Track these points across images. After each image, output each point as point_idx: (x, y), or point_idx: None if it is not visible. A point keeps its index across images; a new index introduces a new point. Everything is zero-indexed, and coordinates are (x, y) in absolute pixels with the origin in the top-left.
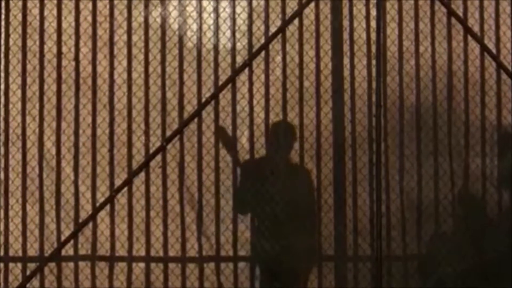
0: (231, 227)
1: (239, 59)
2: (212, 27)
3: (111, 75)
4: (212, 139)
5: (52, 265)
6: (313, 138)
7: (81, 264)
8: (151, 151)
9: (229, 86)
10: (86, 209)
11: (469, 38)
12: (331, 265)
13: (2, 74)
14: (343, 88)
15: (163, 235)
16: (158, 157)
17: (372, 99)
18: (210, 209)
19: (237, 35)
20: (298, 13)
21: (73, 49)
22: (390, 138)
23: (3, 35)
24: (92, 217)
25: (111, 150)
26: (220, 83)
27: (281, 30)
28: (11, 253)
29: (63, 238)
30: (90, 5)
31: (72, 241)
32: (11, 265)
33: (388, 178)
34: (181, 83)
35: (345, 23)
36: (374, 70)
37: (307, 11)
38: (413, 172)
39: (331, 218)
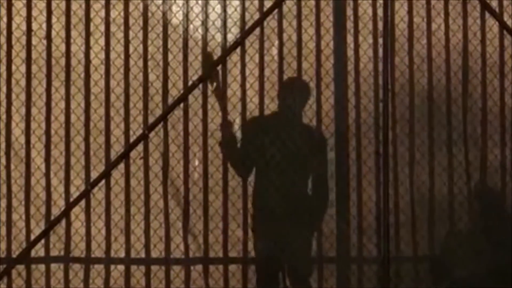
0: (221, 225)
1: (230, 37)
2: (200, 1)
3: (87, 55)
4: (200, 127)
5: (21, 267)
6: (312, 125)
7: (53, 266)
8: (131, 140)
9: (219, 67)
10: (58, 205)
11: (487, 14)
12: (332, 268)
13: None
14: (347, 70)
15: (145, 234)
16: (140, 147)
17: (378, 82)
18: (197, 204)
19: (228, 10)
20: None
21: (44, 26)
22: (399, 126)
23: None
24: (65, 213)
25: (86, 139)
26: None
27: (277, 4)
28: None
29: (32, 237)
30: None
31: (43, 241)
32: None
33: (396, 170)
34: (165, 64)
35: None
36: (380, 50)
37: None
38: (425, 163)
39: (333, 215)
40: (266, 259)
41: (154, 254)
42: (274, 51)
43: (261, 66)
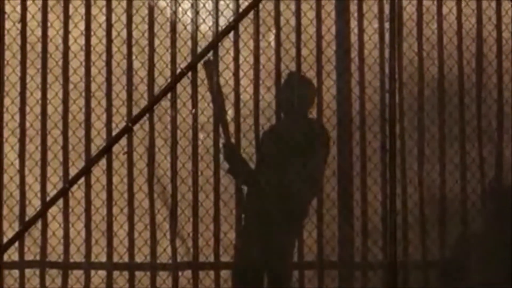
0: (212, 227)
1: (223, 21)
2: None
3: (65, 40)
4: (190, 119)
5: None
6: (316, 120)
7: (28, 272)
8: (114, 133)
9: (210, 53)
10: (34, 205)
11: None
12: (334, 274)
13: None
14: (350, 57)
15: (129, 237)
16: (123, 141)
17: (385, 71)
18: (186, 204)
19: None
20: None
21: (18, 8)
22: (407, 118)
23: None
24: (41, 214)
25: (64, 132)
26: (199, 50)
27: None
28: None
29: (5, 240)
30: None
31: (16, 244)
32: None
33: (404, 167)
34: (151, 50)
35: None
36: (387, 35)
37: None
38: (435, 160)
39: (335, 216)
40: (247, 263)
41: (139, 258)
42: (271, 36)
43: (256, 53)
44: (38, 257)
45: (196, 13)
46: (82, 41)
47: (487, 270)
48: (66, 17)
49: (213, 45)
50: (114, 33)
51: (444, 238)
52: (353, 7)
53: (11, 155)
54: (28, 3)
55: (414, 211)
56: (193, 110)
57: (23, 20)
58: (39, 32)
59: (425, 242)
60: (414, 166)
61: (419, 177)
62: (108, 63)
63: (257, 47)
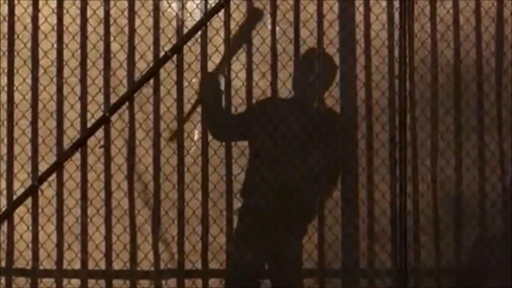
0: (199, 229)
1: None
2: None
3: (35, 19)
4: (174, 108)
5: None
6: (313, 107)
7: None
8: (89, 124)
9: (198, 34)
10: None
11: None
12: (337, 283)
13: None
14: (355, 39)
15: (106, 241)
16: (99, 133)
17: (394, 55)
18: (170, 204)
19: None
20: None
21: None
22: (419, 108)
23: None
24: (7, 215)
25: (33, 123)
26: (185, 30)
27: None
28: None
29: None
30: None
31: None
32: None
33: (416, 163)
34: (131, 30)
35: None
36: (396, 14)
37: None
38: (450, 154)
39: (338, 218)
40: (243, 270)
41: (117, 265)
42: (266, 15)
43: (249, 34)
44: (3, 264)
45: None
46: (53, 20)
47: (508, 277)
48: None
49: (201, 25)
50: (89, 11)
51: (460, 241)
52: None
53: None
54: None
55: (427, 211)
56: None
57: None
58: (5, 9)
59: (439, 246)
60: (427, 161)
61: (433, 173)
62: (83, 45)
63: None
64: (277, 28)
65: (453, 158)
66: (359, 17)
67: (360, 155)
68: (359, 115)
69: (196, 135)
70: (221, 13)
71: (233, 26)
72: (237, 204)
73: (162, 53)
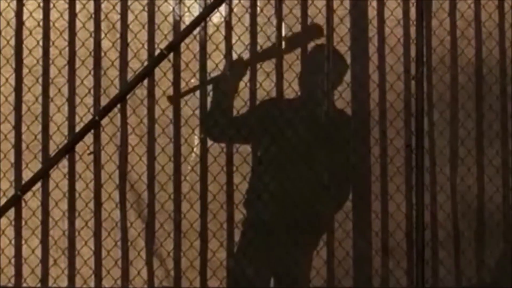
0: (197, 243)
1: None
2: None
3: (19, 14)
4: (170, 112)
5: None
6: (321, 110)
7: None
8: (77, 128)
9: (197, 30)
10: None
11: None
12: None
13: None
14: (367, 36)
15: (95, 256)
16: (89, 138)
17: (410, 54)
18: (166, 216)
19: None
20: None
21: None
22: (437, 111)
23: None
24: None
25: (17, 127)
26: (183, 26)
27: None
28: None
29: None
30: None
31: None
32: None
33: (434, 171)
34: (124, 26)
35: None
36: (413, 9)
37: None
38: (471, 162)
39: (349, 231)
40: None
41: (107, 283)
42: (271, 10)
43: (253, 29)
44: None
45: None
46: (39, 15)
47: None
48: None
49: (200, 21)
50: (78, 6)
51: (483, 258)
52: None
53: None
54: None
55: (446, 224)
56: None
57: None
58: None
59: (459, 263)
60: (446, 169)
61: (452, 183)
62: (71, 43)
63: (253, 23)
64: (283, 24)
65: (475, 166)
66: (372, 13)
67: (373, 163)
68: (372, 118)
69: (196, 141)
70: (222, 8)
71: (235, 22)
72: (238, 216)
73: (157, 51)
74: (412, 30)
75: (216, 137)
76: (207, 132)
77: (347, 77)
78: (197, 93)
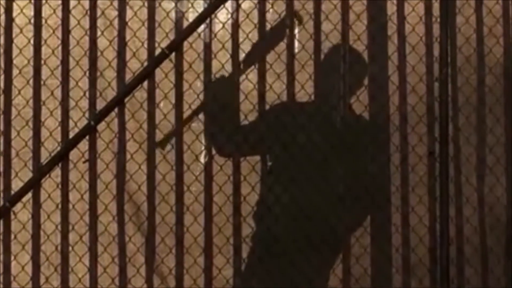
0: (202, 260)
1: None
2: None
3: (8, 10)
4: (171, 116)
5: None
6: (337, 115)
7: None
8: (71, 134)
9: (201, 28)
10: None
11: None
12: None
13: None
14: (387, 34)
15: (90, 273)
16: (83, 145)
17: (433, 53)
18: (167, 230)
19: None
20: None
21: None
22: (463, 116)
23: None
24: None
25: (6, 132)
26: (186, 23)
27: None
28: None
29: None
30: None
31: None
32: None
33: (459, 181)
34: (122, 23)
35: None
36: (436, 5)
37: None
38: (500, 171)
39: (366, 247)
40: None
41: None
42: (281, 6)
43: (262, 26)
44: None
45: None
46: (30, 11)
47: None
48: None
49: (204, 18)
50: (72, 2)
51: None
52: None
53: None
54: None
55: (473, 239)
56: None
57: None
58: None
59: (488, 280)
60: (473, 179)
61: (479, 193)
62: (65, 41)
63: (262, 20)
64: (295, 21)
65: (504, 176)
66: (391, 9)
67: (393, 172)
68: (392, 123)
69: (203, 158)
70: (228, 4)
71: (242, 17)
72: (246, 230)
73: (158, 51)
74: (436, 28)
75: (221, 146)
76: (212, 141)
77: (365, 79)
78: (201, 96)
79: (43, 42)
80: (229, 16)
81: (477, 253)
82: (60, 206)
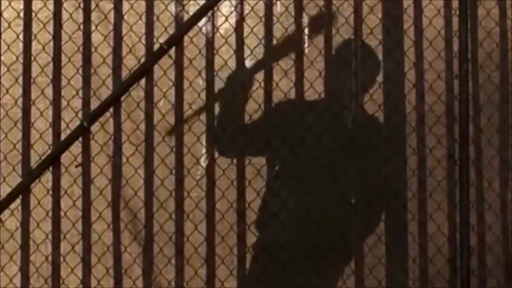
0: (203, 271)
1: None
2: None
3: None
4: (171, 116)
5: None
6: (348, 115)
7: None
8: (63, 136)
9: (203, 22)
10: None
11: None
12: None
13: None
14: (402, 29)
15: (83, 286)
16: (76, 147)
17: (452, 48)
18: (166, 239)
19: None
20: None
21: None
22: (484, 116)
23: None
24: None
25: None
26: (186, 17)
27: None
28: None
29: None
30: None
31: None
32: None
33: (481, 186)
34: (118, 16)
35: None
36: None
37: None
38: None
39: (381, 257)
40: None
41: None
42: None
43: (268, 20)
44: None
45: None
46: (19, 4)
47: None
48: None
49: (206, 10)
50: None
51: None
52: None
53: None
54: None
55: (495, 249)
56: None
57: None
58: None
59: None
60: (495, 184)
61: (503, 199)
62: (57, 36)
63: (269, 13)
64: (303, 14)
65: None
66: (407, 1)
67: (410, 176)
68: (408, 124)
69: (203, 162)
70: None
71: (247, 10)
72: (251, 238)
73: (156, 46)
74: (455, 21)
75: (224, 148)
76: (214, 142)
77: (379, 76)
78: (203, 95)
79: (33, 37)
80: (233, 9)
81: (499, 264)
82: (51, 213)
